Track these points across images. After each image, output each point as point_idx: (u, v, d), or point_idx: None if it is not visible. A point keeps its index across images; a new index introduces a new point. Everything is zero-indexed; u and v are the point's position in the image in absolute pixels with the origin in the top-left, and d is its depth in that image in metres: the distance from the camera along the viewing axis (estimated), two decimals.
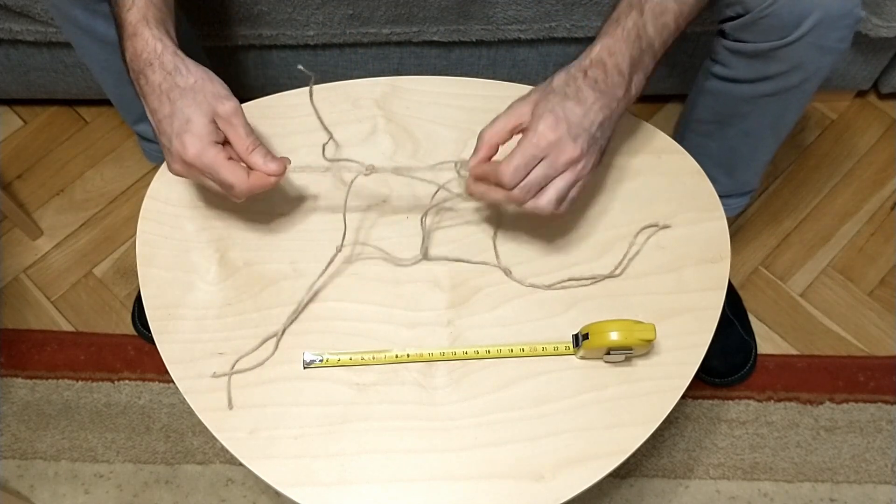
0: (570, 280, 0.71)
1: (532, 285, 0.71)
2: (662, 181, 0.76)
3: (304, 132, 0.78)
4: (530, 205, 0.63)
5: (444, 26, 1.05)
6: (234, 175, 0.62)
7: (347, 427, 0.65)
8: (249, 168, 0.64)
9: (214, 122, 0.63)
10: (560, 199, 0.64)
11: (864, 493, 1.02)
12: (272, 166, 0.63)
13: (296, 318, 0.70)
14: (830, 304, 1.16)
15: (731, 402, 1.08)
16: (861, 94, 1.33)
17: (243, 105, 0.78)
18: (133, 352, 1.11)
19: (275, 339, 0.68)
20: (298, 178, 0.76)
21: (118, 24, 0.66)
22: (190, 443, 1.05)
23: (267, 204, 0.74)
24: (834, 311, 1.15)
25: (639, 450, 0.65)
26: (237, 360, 0.68)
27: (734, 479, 1.03)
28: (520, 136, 0.64)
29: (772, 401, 1.08)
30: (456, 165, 0.71)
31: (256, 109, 0.79)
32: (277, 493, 0.64)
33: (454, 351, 0.68)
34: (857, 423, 1.06)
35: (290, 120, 0.79)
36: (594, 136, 0.63)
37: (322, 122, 0.78)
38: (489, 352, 0.68)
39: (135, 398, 1.08)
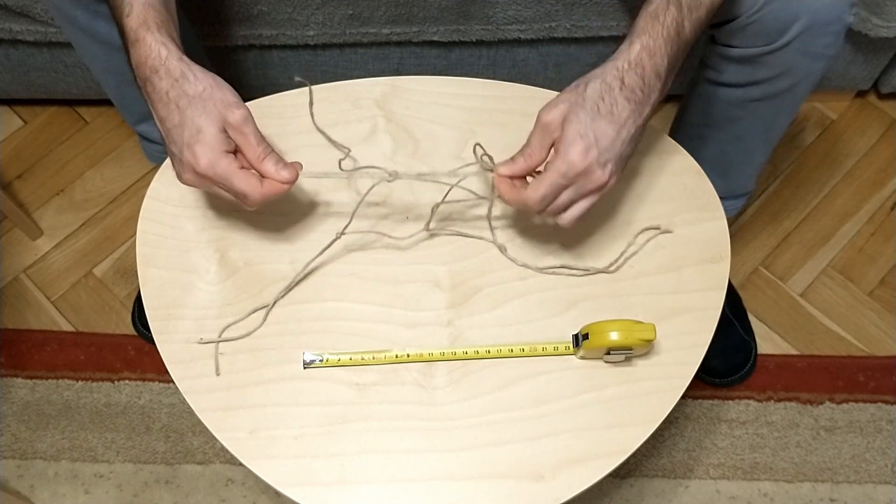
0: (562, 267, 0.71)
1: (525, 265, 0.71)
2: (662, 181, 0.76)
3: (304, 132, 0.78)
4: (551, 219, 0.64)
5: (444, 26, 1.05)
6: (247, 184, 0.62)
7: (347, 427, 0.65)
8: (262, 175, 0.63)
9: (225, 130, 0.62)
10: (581, 217, 0.64)
11: (864, 493, 1.02)
12: (285, 174, 0.63)
13: (288, 292, 0.70)
14: (830, 304, 1.16)
15: (731, 402, 1.08)
16: (861, 94, 1.33)
17: None
18: (133, 352, 1.11)
19: (265, 310, 0.69)
20: (300, 179, 0.75)
21: (120, 31, 0.66)
22: (190, 443, 1.05)
23: (268, 204, 0.74)
24: (834, 311, 1.15)
25: (639, 450, 0.65)
26: (225, 329, 0.68)
27: (734, 479, 1.03)
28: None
29: (772, 401, 1.08)
30: (480, 162, 0.70)
31: (256, 109, 0.78)
32: (277, 493, 0.64)
33: (454, 351, 0.68)
34: (857, 423, 1.06)
35: (289, 120, 0.79)
36: (622, 156, 0.62)
37: (332, 140, 0.78)
38: (489, 352, 0.68)
39: (135, 398, 1.08)
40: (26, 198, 1.25)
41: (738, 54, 0.78)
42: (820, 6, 0.71)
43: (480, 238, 0.73)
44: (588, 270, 0.72)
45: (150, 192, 0.76)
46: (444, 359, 0.68)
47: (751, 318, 1.14)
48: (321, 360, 0.68)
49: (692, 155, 0.78)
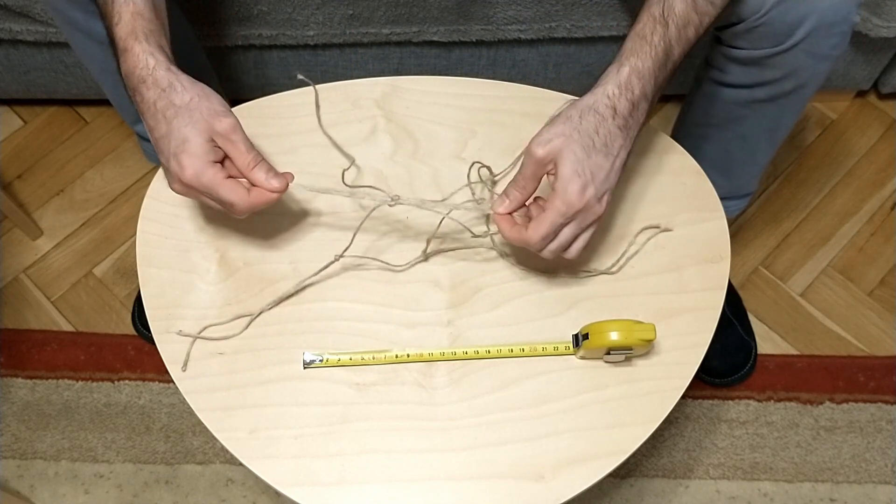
0: (564, 268, 0.71)
1: (524, 267, 0.71)
2: (662, 181, 0.76)
3: (304, 132, 0.78)
4: (552, 255, 0.64)
5: (444, 26, 1.05)
6: (233, 193, 0.62)
7: (347, 427, 0.65)
8: (251, 184, 0.63)
9: (212, 140, 0.62)
10: (584, 247, 0.64)
11: (864, 493, 1.02)
12: (275, 183, 0.62)
13: (275, 305, 0.70)
14: (830, 304, 1.16)
15: (731, 402, 1.08)
16: (861, 94, 1.33)
17: (243, 106, 0.79)
18: (133, 352, 1.11)
19: (248, 318, 0.69)
20: (299, 178, 0.75)
21: (110, 39, 0.65)
22: (190, 443, 1.05)
23: (260, 210, 0.74)
24: (834, 311, 1.15)
25: (639, 450, 0.65)
26: (204, 329, 0.68)
27: (734, 479, 1.03)
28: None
29: (772, 401, 1.08)
30: (480, 201, 0.71)
31: (256, 109, 0.79)
32: (277, 493, 0.64)
33: (454, 351, 0.68)
34: (857, 423, 1.06)
35: (289, 120, 0.79)
36: (615, 182, 0.63)
37: (338, 146, 0.77)
38: (489, 352, 0.68)
39: (135, 398, 1.08)
40: (26, 198, 1.25)
41: (744, 56, 0.78)
42: (827, 7, 0.71)
43: (480, 246, 0.73)
44: (590, 272, 0.71)
45: (150, 192, 0.76)
46: (444, 359, 0.68)
47: (751, 318, 1.14)
48: (321, 360, 0.68)
49: (695, 155, 0.78)
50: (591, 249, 0.73)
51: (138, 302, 1.14)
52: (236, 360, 0.68)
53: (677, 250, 0.73)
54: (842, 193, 1.25)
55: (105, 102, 1.20)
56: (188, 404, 0.66)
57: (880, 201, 1.25)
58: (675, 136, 0.97)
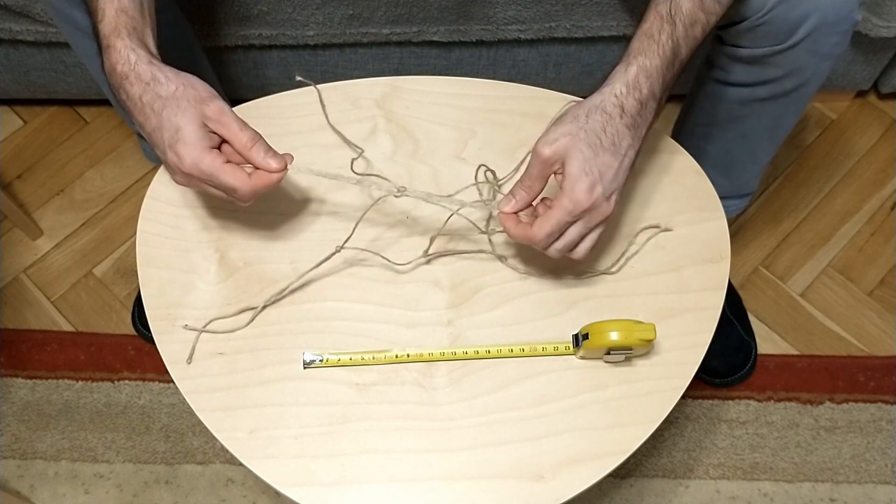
0: (564, 269, 0.71)
1: (528, 273, 0.71)
2: (663, 181, 0.76)
3: (305, 132, 0.78)
4: (559, 255, 0.64)
5: (444, 26, 1.05)
6: (234, 178, 0.61)
7: (347, 427, 0.65)
8: (253, 168, 0.63)
9: (205, 125, 0.61)
10: (592, 247, 0.64)
11: (864, 493, 1.02)
12: (272, 163, 0.61)
13: (279, 298, 0.69)
14: (830, 304, 1.16)
15: (731, 402, 1.08)
16: (861, 94, 1.33)
17: (243, 105, 0.79)
18: (133, 352, 1.11)
19: (251, 312, 0.69)
20: (300, 178, 0.76)
21: (95, 37, 0.65)
22: (190, 443, 1.05)
23: (267, 204, 0.74)
24: (834, 311, 1.16)
25: (639, 450, 0.65)
26: (209, 322, 0.68)
27: (734, 479, 1.03)
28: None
29: (772, 401, 1.08)
30: (487, 203, 0.71)
31: (256, 109, 0.79)
32: (277, 493, 0.64)
33: (454, 351, 0.68)
34: (857, 423, 1.06)
35: (289, 120, 0.79)
36: (623, 182, 0.63)
37: (347, 140, 0.78)
38: (489, 352, 0.68)
39: (135, 398, 1.08)
40: (26, 198, 1.25)
41: (747, 54, 0.78)
42: (829, 5, 0.71)
43: (480, 251, 0.73)
44: (592, 272, 0.71)
45: (150, 192, 0.76)
46: (444, 359, 0.68)
47: (751, 318, 1.14)
48: (321, 360, 0.68)
49: (696, 154, 0.78)
50: (591, 249, 0.73)
51: (138, 302, 1.14)
52: (236, 360, 0.68)
53: (677, 250, 0.73)
54: (842, 193, 1.25)
55: (105, 102, 1.20)
56: (188, 404, 0.66)
57: (880, 201, 1.25)
58: (676, 135, 0.97)
